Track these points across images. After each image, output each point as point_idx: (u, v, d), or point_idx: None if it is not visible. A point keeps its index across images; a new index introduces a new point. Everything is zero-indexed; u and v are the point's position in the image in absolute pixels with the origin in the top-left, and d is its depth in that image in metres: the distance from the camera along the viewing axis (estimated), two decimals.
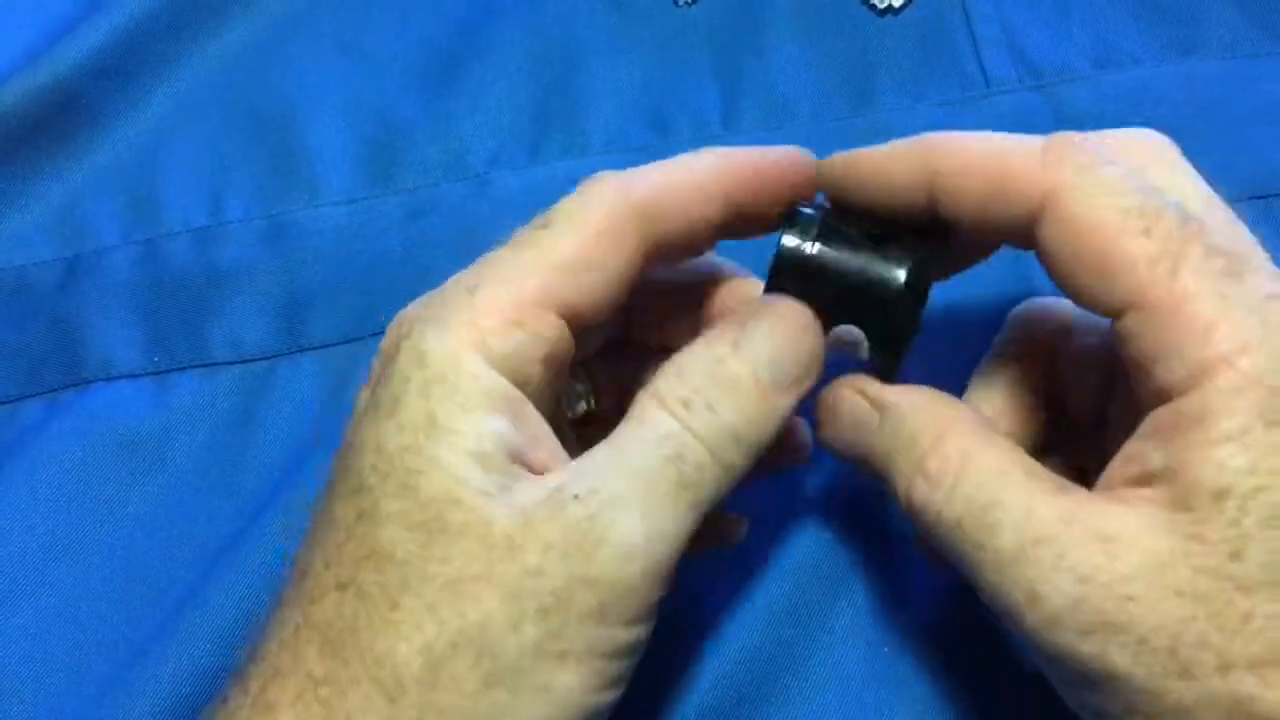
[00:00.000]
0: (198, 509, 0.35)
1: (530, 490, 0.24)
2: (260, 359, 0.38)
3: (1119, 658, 0.22)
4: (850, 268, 0.27)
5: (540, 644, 0.23)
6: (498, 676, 0.23)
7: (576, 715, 0.23)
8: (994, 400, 0.29)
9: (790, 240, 0.28)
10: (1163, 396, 0.23)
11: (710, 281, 0.31)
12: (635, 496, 0.24)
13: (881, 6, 0.43)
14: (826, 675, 0.31)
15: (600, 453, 0.25)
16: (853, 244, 0.27)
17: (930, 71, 0.42)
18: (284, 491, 0.34)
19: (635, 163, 0.40)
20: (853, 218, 0.28)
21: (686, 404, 0.25)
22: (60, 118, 0.42)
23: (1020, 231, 0.25)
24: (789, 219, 0.28)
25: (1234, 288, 0.22)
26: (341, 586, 0.23)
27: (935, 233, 0.27)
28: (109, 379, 0.38)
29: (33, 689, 0.33)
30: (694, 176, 0.27)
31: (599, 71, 0.43)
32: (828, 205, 0.29)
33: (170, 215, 0.41)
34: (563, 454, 0.26)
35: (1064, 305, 0.30)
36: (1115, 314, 0.24)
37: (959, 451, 0.25)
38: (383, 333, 0.37)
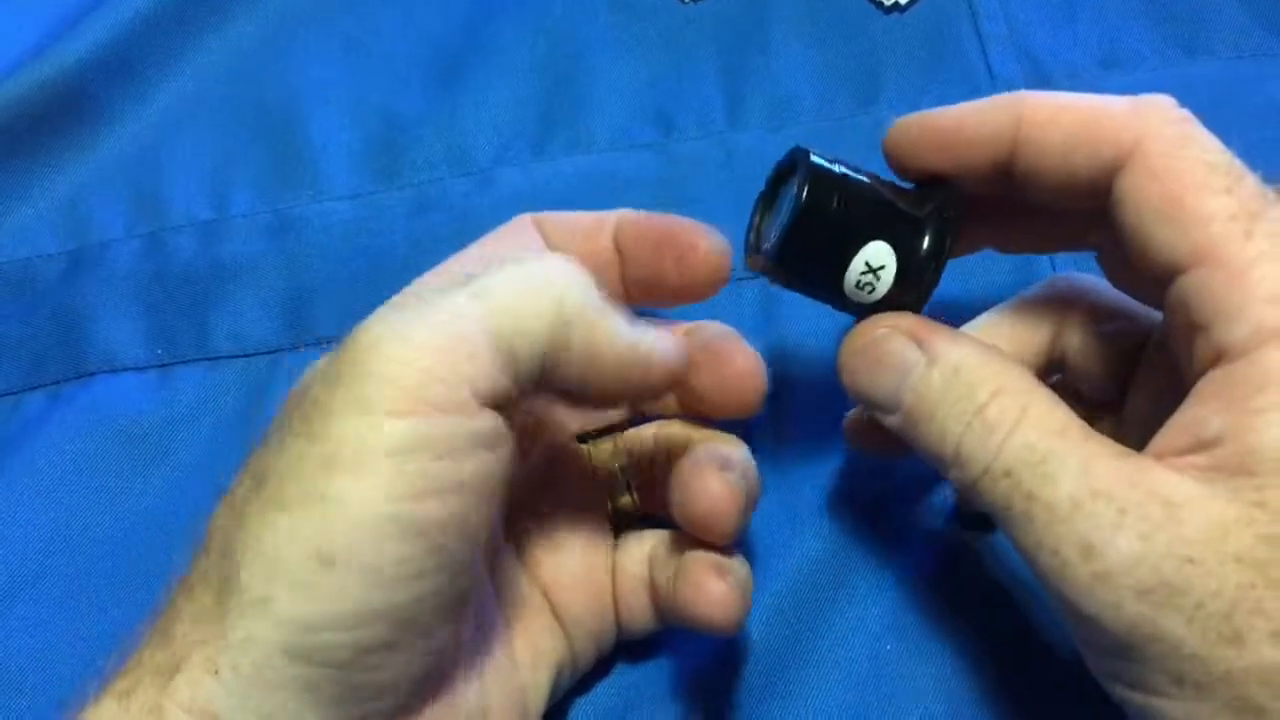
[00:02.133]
0: (200, 501, 0.35)
1: None
2: (263, 353, 0.38)
3: (1172, 621, 0.21)
4: (879, 190, 0.27)
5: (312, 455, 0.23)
6: (270, 498, 0.23)
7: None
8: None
9: (816, 157, 0.27)
10: (1219, 359, 0.23)
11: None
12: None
13: (888, 4, 0.43)
14: (832, 670, 0.31)
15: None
16: (872, 177, 0.27)
17: (936, 69, 0.42)
18: None
19: (639, 159, 0.40)
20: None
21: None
22: (65, 112, 0.42)
23: (1099, 181, 0.25)
24: (797, 155, 0.28)
25: None
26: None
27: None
28: (112, 371, 0.38)
29: (35, 680, 0.33)
30: (596, 229, 0.30)
31: (604, 68, 0.43)
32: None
33: (175, 209, 0.41)
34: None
35: (1083, 285, 0.30)
36: (1181, 269, 0.23)
37: (1018, 403, 0.24)
38: None
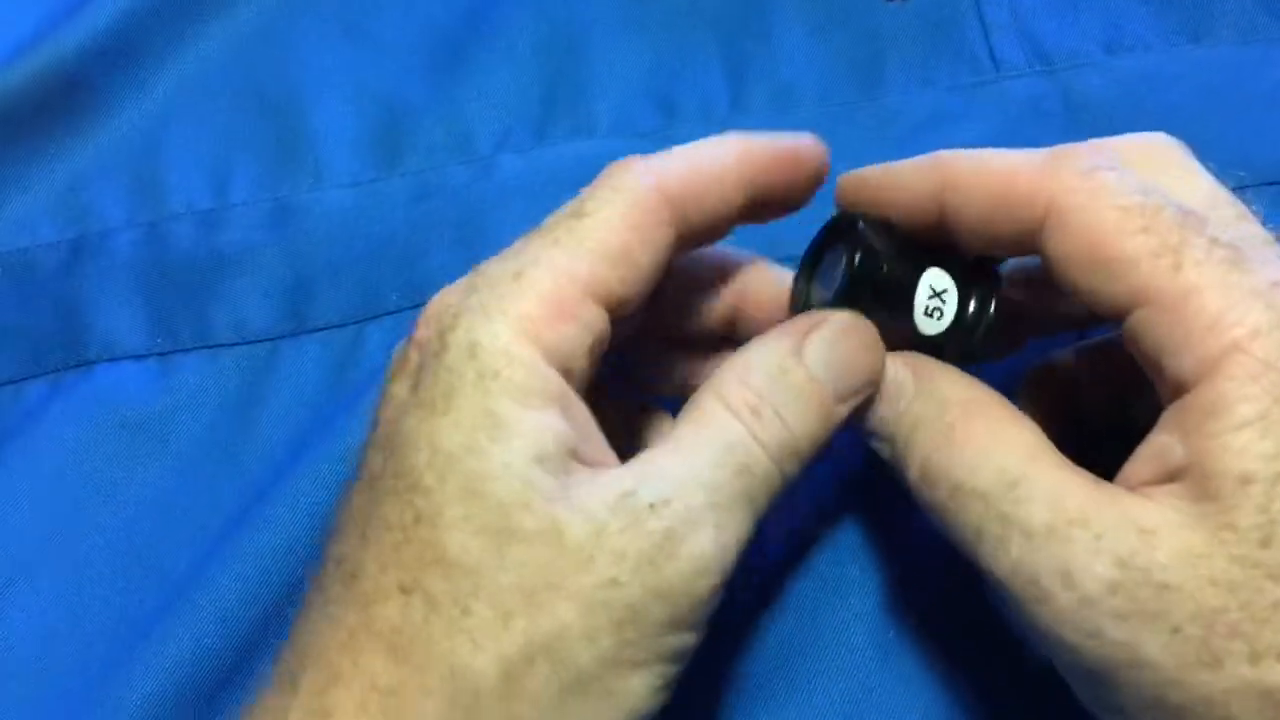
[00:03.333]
0: (201, 490, 0.35)
1: (594, 491, 0.23)
2: (264, 340, 0.37)
3: (1151, 646, 0.22)
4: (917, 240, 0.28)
5: (614, 653, 0.23)
6: (573, 686, 0.22)
7: (638, 715, 0.23)
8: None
9: (859, 253, 0.27)
10: (1177, 390, 0.23)
11: (722, 267, 0.30)
12: (708, 511, 0.24)
13: None
14: (834, 659, 0.31)
15: (665, 457, 0.25)
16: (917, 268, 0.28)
17: (939, 56, 0.41)
18: (287, 474, 0.34)
19: (642, 146, 0.40)
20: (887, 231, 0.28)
21: (755, 411, 0.25)
22: (64, 99, 0.42)
23: (1026, 243, 0.25)
24: (841, 230, 0.28)
25: (1239, 276, 0.22)
26: (405, 590, 0.23)
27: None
28: (112, 360, 0.38)
29: (35, 670, 0.32)
30: (719, 164, 0.27)
31: (606, 54, 0.43)
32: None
33: (174, 197, 0.41)
34: (608, 448, 0.26)
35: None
36: (1123, 313, 0.24)
37: (990, 425, 0.25)
38: (387, 314, 0.37)
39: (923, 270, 0.28)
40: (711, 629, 0.31)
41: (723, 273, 0.30)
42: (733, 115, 0.41)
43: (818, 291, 0.29)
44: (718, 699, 0.31)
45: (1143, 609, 0.22)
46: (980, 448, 0.24)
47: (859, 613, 0.32)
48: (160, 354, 0.38)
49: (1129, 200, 0.24)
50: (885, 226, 0.28)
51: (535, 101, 0.42)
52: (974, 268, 0.28)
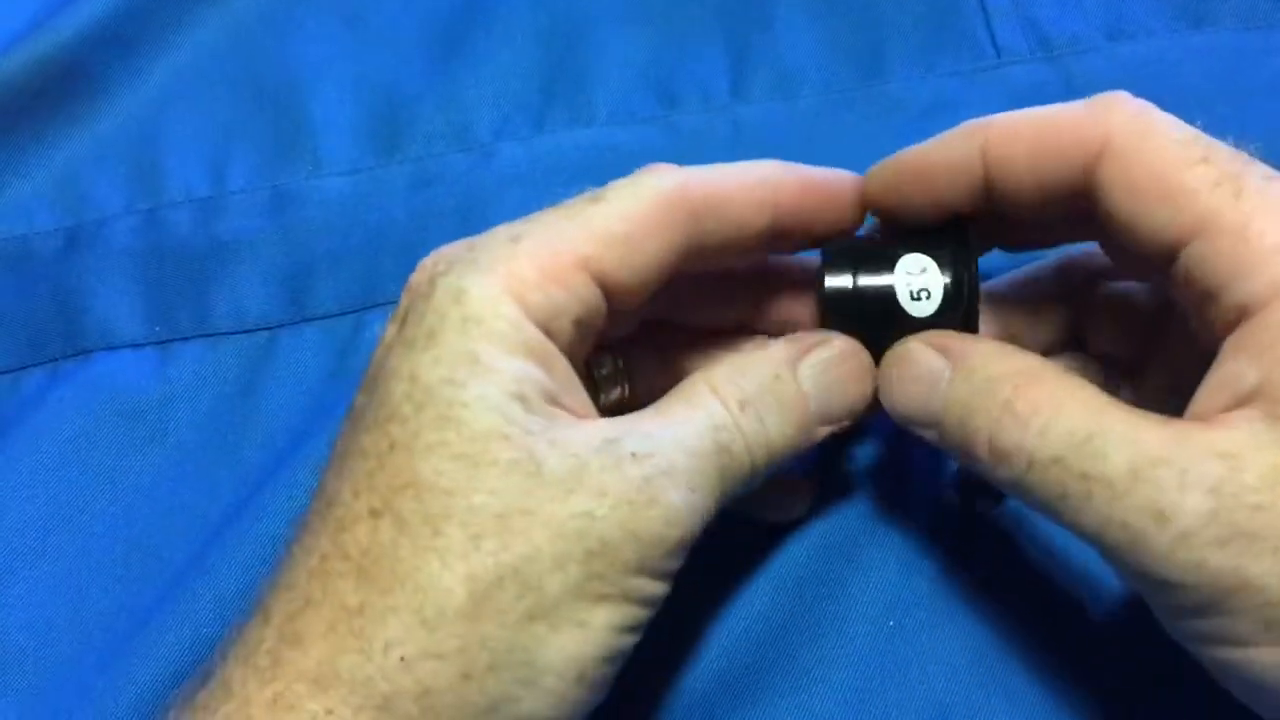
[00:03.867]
0: (200, 479, 0.35)
1: (577, 434, 0.24)
2: (263, 329, 0.37)
3: (1255, 567, 0.22)
4: (887, 290, 0.28)
5: (582, 584, 0.23)
6: (540, 611, 0.23)
7: (605, 652, 0.24)
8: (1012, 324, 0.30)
9: (831, 280, 0.28)
10: (1242, 316, 0.23)
11: (755, 266, 0.31)
12: (687, 471, 0.25)
13: None
14: (834, 649, 0.31)
15: (651, 420, 0.25)
16: (889, 262, 0.28)
17: (940, 42, 0.41)
18: (287, 462, 0.34)
19: (642, 133, 0.40)
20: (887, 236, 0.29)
21: (742, 405, 0.26)
22: (62, 86, 0.42)
23: (1075, 186, 0.25)
24: (823, 257, 0.29)
25: None
26: (375, 514, 0.23)
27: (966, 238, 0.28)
28: (110, 349, 0.37)
29: (34, 658, 0.32)
30: (747, 182, 0.28)
31: (606, 42, 0.42)
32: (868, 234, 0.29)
33: (172, 185, 0.41)
34: (593, 409, 0.26)
35: (1097, 257, 0.30)
36: (1180, 243, 0.24)
37: (1049, 392, 0.25)
38: (387, 303, 0.37)
39: (895, 260, 0.28)
40: (710, 619, 0.32)
41: (750, 270, 0.31)
42: (733, 103, 0.41)
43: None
44: (717, 690, 0.31)
45: (1241, 532, 0.22)
46: (1045, 414, 0.24)
47: (858, 604, 0.32)
48: (159, 342, 0.37)
49: (1184, 134, 0.24)
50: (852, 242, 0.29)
51: (535, 89, 0.42)
52: (943, 234, 0.28)
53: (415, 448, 0.23)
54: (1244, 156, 0.24)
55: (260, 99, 0.42)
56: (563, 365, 0.26)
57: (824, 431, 0.28)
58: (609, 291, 0.26)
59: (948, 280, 0.28)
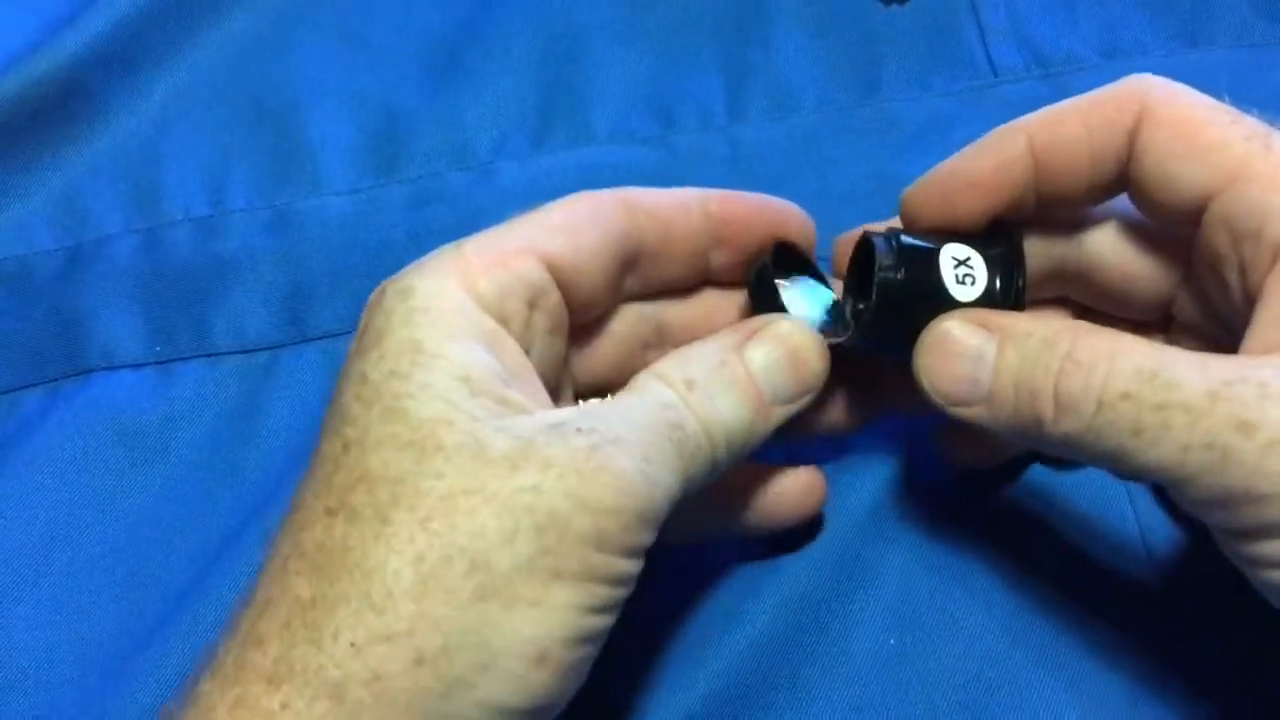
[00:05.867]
0: (200, 499, 0.35)
1: (523, 421, 0.24)
2: (263, 349, 0.37)
3: None
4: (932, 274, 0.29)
5: (533, 560, 0.23)
6: (491, 589, 0.23)
7: (568, 634, 0.23)
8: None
9: (883, 272, 0.28)
10: (1278, 256, 0.25)
11: None
12: (638, 443, 0.24)
13: None
14: (835, 666, 0.31)
15: (599, 407, 0.25)
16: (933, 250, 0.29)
17: (937, 61, 0.41)
18: (286, 482, 0.34)
19: (640, 153, 0.40)
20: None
21: (689, 385, 0.26)
22: (62, 106, 0.42)
23: (1121, 155, 0.27)
24: (866, 247, 0.30)
25: None
26: (331, 511, 0.24)
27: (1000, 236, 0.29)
28: (111, 368, 0.37)
29: (35, 680, 0.32)
30: (679, 191, 0.30)
31: (604, 62, 0.43)
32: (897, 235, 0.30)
33: (172, 204, 0.41)
34: (547, 398, 0.26)
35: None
36: (1213, 194, 0.26)
37: (1106, 339, 0.25)
38: None
39: (939, 248, 0.29)
40: (712, 638, 0.32)
41: None
42: (731, 122, 0.41)
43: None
44: (718, 708, 0.31)
45: None
46: (1107, 357, 0.25)
47: (859, 622, 0.32)
48: (159, 362, 0.37)
49: (1213, 101, 0.27)
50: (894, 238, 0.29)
51: (533, 109, 0.42)
52: (989, 233, 0.29)
53: (366, 443, 0.24)
54: (1269, 124, 0.26)
55: (260, 119, 0.42)
56: (514, 352, 0.26)
57: (781, 412, 0.28)
58: (560, 276, 0.27)
59: (989, 263, 0.29)
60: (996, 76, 0.41)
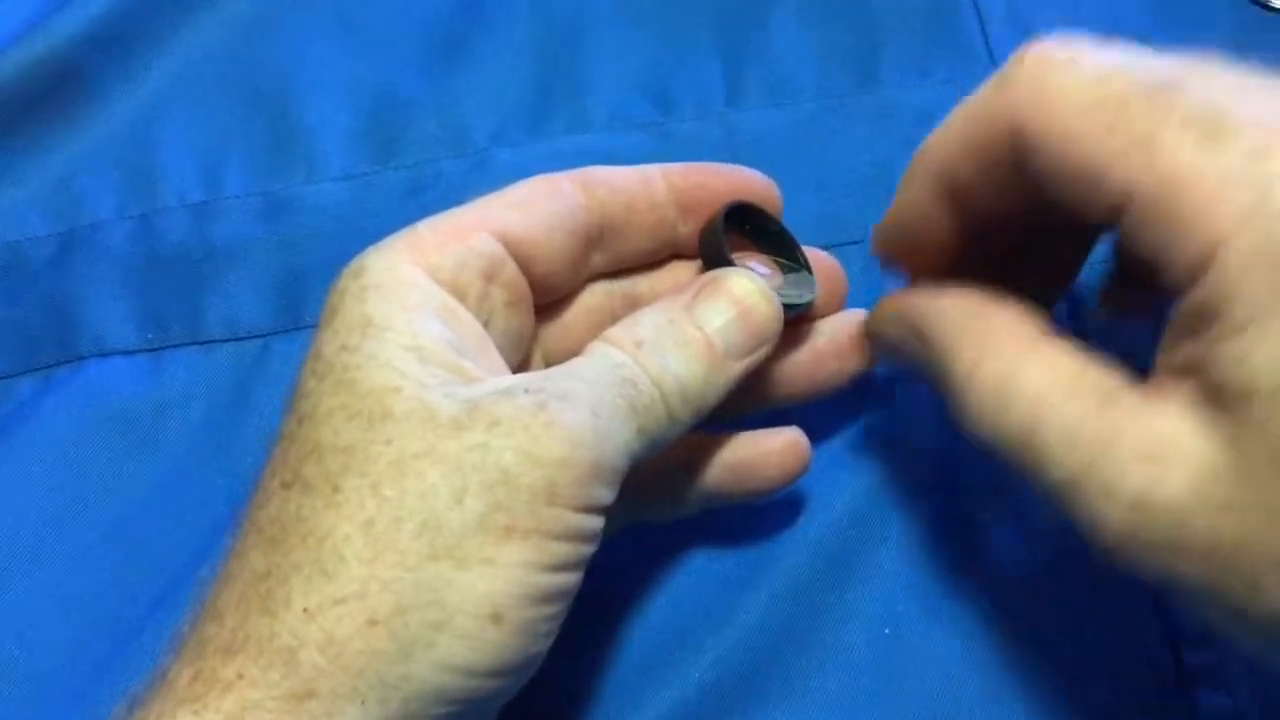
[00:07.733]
0: (193, 486, 0.35)
1: (472, 388, 0.24)
2: (256, 336, 0.37)
3: (1189, 579, 0.21)
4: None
5: (484, 517, 0.23)
6: (442, 548, 0.23)
7: (524, 590, 0.23)
8: None
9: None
10: (1176, 291, 0.21)
11: None
12: (586, 398, 0.24)
13: None
14: (828, 655, 0.31)
15: (550, 370, 0.25)
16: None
17: (935, 48, 0.41)
18: None
19: (638, 139, 0.40)
20: None
21: (638, 345, 0.26)
22: (56, 91, 0.42)
23: (1014, 178, 0.24)
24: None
25: (1215, 155, 0.20)
26: (286, 485, 0.24)
27: None
28: (103, 355, 0.37)
29: (27, 667, 0.32)
30: (645, 168, 0.30)
31: (602, 48, 0.42)
32: None
33: (166, 190, 0.40)
34: (504, 366, 0.27)
35: None
36: (1112, 218, 0.22)
37: (999, 373, 0.24)
38: None
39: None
40: (705, 628, 0.31)
41: None
42: (729, 109, 0.41)
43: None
44: (711, 699, 0.31)
45: (1167, 543, 0.21)
46: (997, 401, 0.24)
47: (854, 613, 0.32)
48: (151, 349, 0.37)
49: (1086, 98, 0.22)
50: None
51: (531, 94, 0.41)
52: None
53: (317, 416, 0.24)
54: (1162, 97, 0.21)
55: (255, 104, 0.42)
56: (471, 323, 0.26)
57: (738, 367, 0.27)
58: (517, 250, 0.27)
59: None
60: (995, 64, 0.41)
